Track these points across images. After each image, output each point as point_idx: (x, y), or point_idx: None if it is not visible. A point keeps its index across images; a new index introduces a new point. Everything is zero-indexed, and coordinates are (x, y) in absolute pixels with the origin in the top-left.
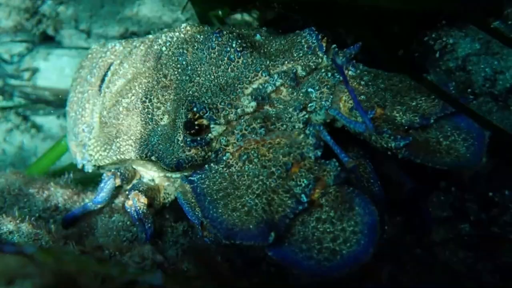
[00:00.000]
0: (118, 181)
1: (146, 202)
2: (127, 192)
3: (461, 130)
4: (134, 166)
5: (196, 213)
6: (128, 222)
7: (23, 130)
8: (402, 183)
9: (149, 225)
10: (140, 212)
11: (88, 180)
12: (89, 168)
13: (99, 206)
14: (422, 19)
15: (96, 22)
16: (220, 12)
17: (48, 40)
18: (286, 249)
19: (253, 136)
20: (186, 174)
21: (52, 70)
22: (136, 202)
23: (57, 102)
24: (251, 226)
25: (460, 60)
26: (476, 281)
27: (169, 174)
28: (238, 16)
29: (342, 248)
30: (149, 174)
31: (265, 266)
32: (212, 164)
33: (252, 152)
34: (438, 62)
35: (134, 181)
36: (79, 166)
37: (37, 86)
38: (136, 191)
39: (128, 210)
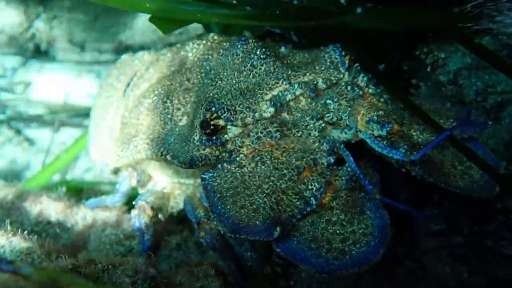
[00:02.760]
0: (134, 182)
1: (151, 215)
2: (134, 202)
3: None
4: (149, 172)
5: (196, 213)
6: (121, 236)
7: (16, 143)
8: (398, 191)
9: (148, 237)
10: (143, 222)
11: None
12: (106, 172)
13: (117, 205)
14: (411, 36)
15: (90, 36)
16: None
17: (42, 54)
18: (295, 246)
19: (268, 139)
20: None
21: (45, 83)
22: (141, 212)
23: (50, 116)
24: (257, 222)
25: (451, 74)
26: None
27: (182, 180)
28: None
29: (351, 248)
30: (163, 180)
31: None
32: (225, 164)
33: (266, 154)
34: (430, 76)
35: (148, 186)
36: (98, 170)
37: (31, 99)
38: (143, 202)
39: (132, 219)
